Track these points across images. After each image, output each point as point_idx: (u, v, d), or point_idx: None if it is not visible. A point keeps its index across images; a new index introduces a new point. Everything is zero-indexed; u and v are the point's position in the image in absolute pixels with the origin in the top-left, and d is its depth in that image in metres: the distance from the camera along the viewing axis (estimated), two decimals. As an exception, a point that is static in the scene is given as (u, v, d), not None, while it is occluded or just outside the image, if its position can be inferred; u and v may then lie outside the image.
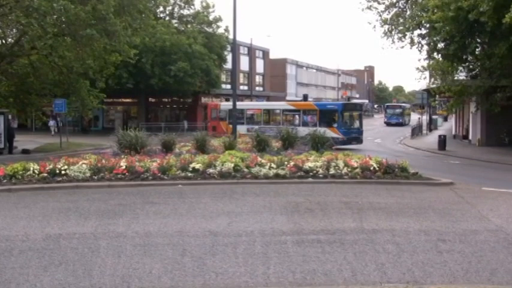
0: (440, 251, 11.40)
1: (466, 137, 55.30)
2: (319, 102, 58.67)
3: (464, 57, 40.03)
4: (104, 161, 22.13)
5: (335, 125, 45.27)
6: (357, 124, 48.40)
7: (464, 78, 47.60)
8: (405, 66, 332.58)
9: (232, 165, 21.58)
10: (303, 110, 50.71)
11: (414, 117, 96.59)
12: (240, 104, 54.34)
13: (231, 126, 42.05)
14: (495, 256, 11.11)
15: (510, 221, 14.41)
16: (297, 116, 50.70)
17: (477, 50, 40.64)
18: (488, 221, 14.49)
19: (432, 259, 10.80)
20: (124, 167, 21.02)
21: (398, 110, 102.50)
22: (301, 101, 65.93)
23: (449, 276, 9.83)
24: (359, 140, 46.80)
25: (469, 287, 8.94)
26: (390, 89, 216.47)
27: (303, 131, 36.08)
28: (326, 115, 47.17)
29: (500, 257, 11.07)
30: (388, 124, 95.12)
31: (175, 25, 69.26)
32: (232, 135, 33.08)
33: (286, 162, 22.28)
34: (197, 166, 21.48)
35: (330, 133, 35.22)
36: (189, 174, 21.05)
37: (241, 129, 45.72)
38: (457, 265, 10.44)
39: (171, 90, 65.70)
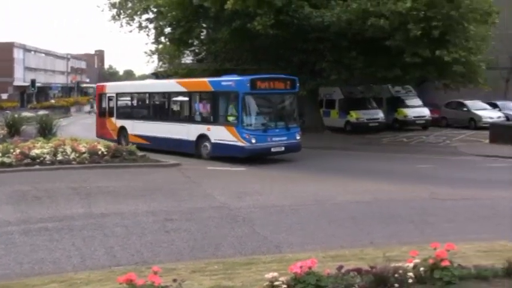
0: (168, 230, 11.73)
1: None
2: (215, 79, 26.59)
3: (190, 41, 41.06)
4: None
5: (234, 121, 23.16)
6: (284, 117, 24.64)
7: (191, 61, 48.89)
8: (135, 50, 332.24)
9: (-47, 155, 20.19)
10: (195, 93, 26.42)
11: None
12: (127, 85, 39.25)
13: (118, 124, 29.59)
14: (219, 231, 11.70)
15: (233, 198, 15.23)
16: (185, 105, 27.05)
17: (202, 34, 41.95)
18: (213, 198, 15.19)
19: (160, 239, 11.08)
20: None
21: None
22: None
23: (176, 254, 10.17)
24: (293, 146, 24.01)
25: (194, 263, 9.28)
26: (121, 72, 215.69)
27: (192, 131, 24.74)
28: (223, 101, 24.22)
29: (224, 231, 11.67)
30: None
31: None
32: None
33: (12, 150, 21.32)
34: None
35: (227, 136, 23.06)
36: None
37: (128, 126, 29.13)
38: (183, 243, 10.83)
39: None
